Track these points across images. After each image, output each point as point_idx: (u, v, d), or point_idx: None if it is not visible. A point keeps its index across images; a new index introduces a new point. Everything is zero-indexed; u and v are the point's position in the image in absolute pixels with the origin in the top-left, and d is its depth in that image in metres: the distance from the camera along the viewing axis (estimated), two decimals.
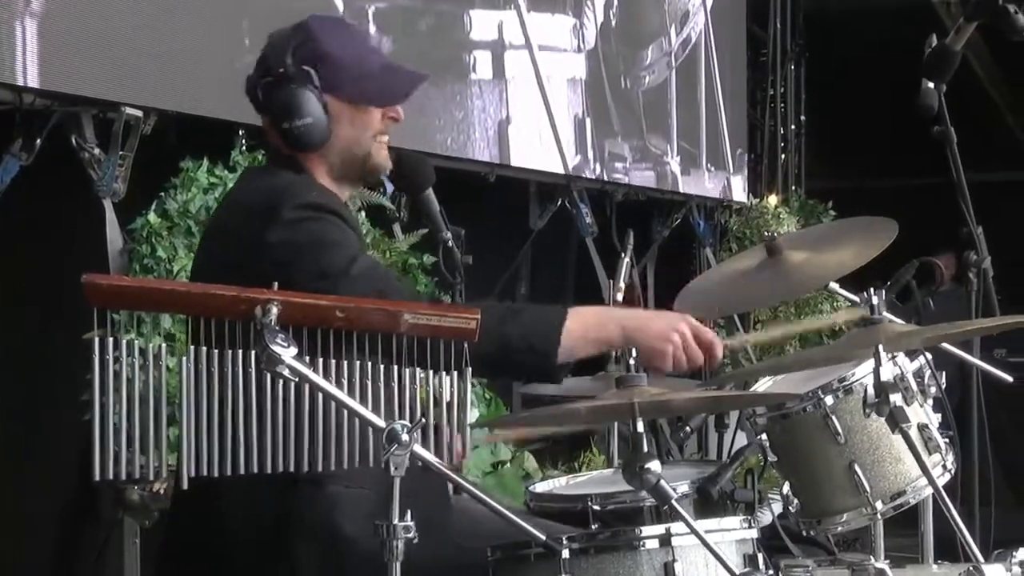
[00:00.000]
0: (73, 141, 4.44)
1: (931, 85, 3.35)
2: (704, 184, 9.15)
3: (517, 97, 6.92)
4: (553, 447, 6.62)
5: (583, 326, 2.83)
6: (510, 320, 2.73)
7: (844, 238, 3.35)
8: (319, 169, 2.96)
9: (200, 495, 2.53)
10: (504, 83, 6.84)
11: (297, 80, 2.87)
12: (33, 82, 4.23)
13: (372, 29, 5.74)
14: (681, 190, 8.78)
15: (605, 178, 7.84)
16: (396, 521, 2.39)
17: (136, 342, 2.44)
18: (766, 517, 6.20)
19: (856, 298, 3.07)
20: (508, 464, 5.83)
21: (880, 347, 2.70)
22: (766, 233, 3.39)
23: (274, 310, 2.43)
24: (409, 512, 2.40)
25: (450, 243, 3.26)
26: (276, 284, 2.49)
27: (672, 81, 8.73)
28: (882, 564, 2.88)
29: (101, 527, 4.47)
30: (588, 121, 7.60)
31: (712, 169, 9.25)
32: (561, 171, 7.35)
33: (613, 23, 7.98)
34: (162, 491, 3.46)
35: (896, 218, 3.28)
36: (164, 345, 2.46)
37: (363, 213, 5.30)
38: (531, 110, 7.05)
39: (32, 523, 4.67)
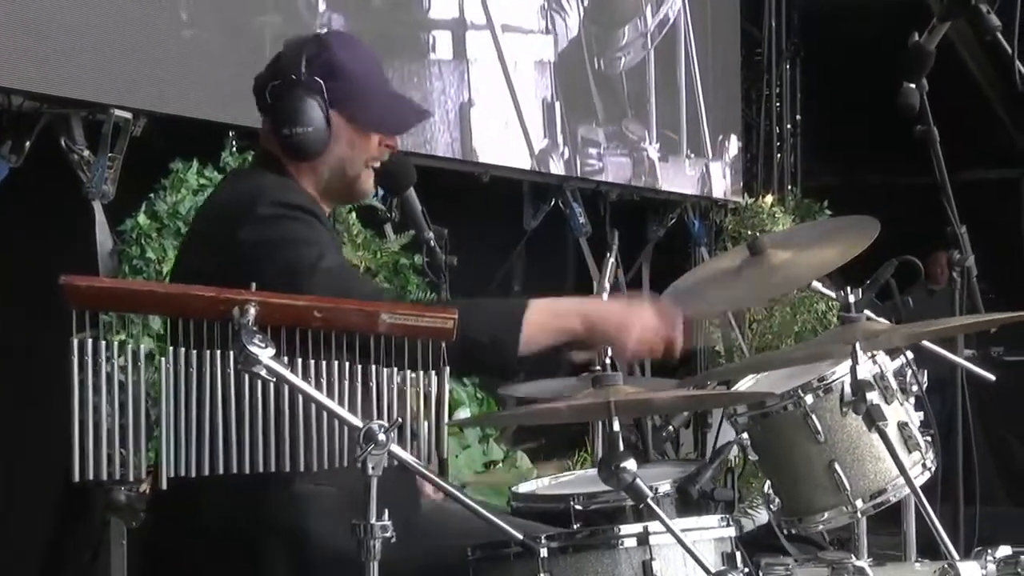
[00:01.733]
0: (62, 143, 4.44)
1: (912, 84, 3.36)
2: (684, 172, 8.98)
3: (480, 79, 6.70)
4: (548, 446, 6.64)
5: (543, 316, 2.78)
6: (472, 313, 2.68)
7: (827, 237, 3.36)
8: (306, 178, 2.97)
9: (175, 496, 2.55)
10: (466, 64, 6.62)
11: (306, 88, 2.89)
12: (22, 84, 4.24)
13: (322, 6, 5.53)
14: (659, 177, 8.60)
15: (578, 163, 7.63)
16: (373, 520, 2.41)
17: (115, 343, 2.45)
18: (762, 516, 6.22)
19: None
20: (500, 464, 5.85)
21: (857, 345, 2.71)
22: (754, 233, 3.40)
23: (252, 311, 2.44)
24: (387, 511, 2.42)
25: (432, 243, 3.28)
26: (254, 284, 2.51)
27: (649, 63, 8.52)
28: (861, 562, 2.89)
29: (94, 528, 4.48)
30: (558, 104, 7.39)
31: (692, 156, 9.11)
32: (527, 157, 7.15)
33: (586, 3, 7.77)
34: (148, 492, 3.47)
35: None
36: (143, 346, 2.48)
37: (354, 214, 5.31)
38: (495, 93, 6.83)
39: (24, 524, 4.68)
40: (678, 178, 8.92)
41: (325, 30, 2.95)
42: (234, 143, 4.86)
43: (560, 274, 8.25)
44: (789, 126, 10.96)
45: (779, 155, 10.82)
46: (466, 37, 6.61)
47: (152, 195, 4.58)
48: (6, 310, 4.45)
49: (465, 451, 5.64)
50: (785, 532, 3.21)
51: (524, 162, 7.15)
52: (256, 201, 2.78)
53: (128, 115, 4.52)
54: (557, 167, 7.42)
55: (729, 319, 8.89)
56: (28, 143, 4.32)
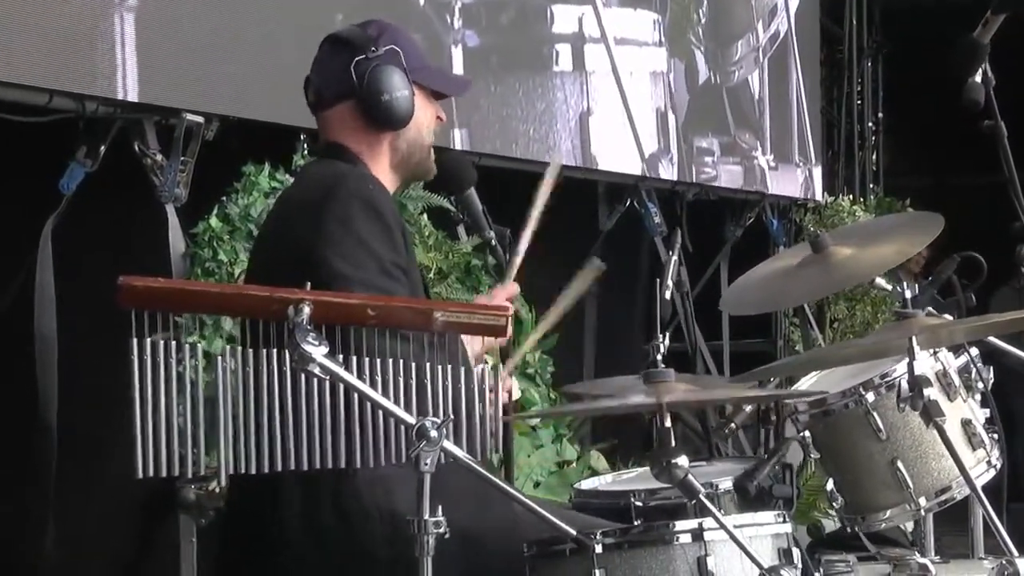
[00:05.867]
0: (136, 148, 4.51)
1: (978, 79, 3.32)
2: (794, 176, 9.26)
3: (597, 90, 7.06)
4: (622, 446, 6.63)
5: None
6: None
7: (889, 234, 3.34)
8: (380, 157, 3.07)
9: (256, 485, 2.59)
10: (584, 75, 6.98)
11: (389, 59, 3.02)
12: (97, 91, 4.32)
13: (458, 23, 5.96)
14: (769, 185, 8.88)
15: (693, 172, 7.95)
16: (426, 516, 2.43)
17: (173, 343, 2.49)
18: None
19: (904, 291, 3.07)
20: (574, 464, 5.85)
21: (913, 340, 2.69)
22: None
23: (306, 309, 2.47)
24: (440, 507, 2.44)
25: (494, 243, 3.31)
26: (309, 284, 2.54)
27: (762, 77, 8.86)
28: (924, 559, 2.87)
29: (171, 528, 4.53)
30: (671, 115, 7.71)
31: (801, 164, 9.36)
32: (638, 163, 7.39)
33: (702, 19, 8.11)
34: (217, 490, 3.52)
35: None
36: (200, 346, 2.52)
37: (425, 216, 5.34)
38: (611, 102, 7.18)
39: (102, 523, 4.76)
40: (788, 185, 9.24)
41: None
42: (305, 146, 4.91)
43: (635, 274, 8.24)
44: (871, 124, 10.86)
45: (860, 153, 10.72)
46: (584, 50, 6.98)
47: (224, 198, 4.63)
48: (82, 313, 4.53)
49: (538, 451, 5.64)
50: (849, 530, 3.18)
51: (635, 167, 7.45)
52: (336, 191, 2.88)
53: (200, 119, 4.58)
54: (668, 173, 7.72)
55: (809, 318, 8.84)
56: (103, 148, 4.40)
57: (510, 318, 2.59)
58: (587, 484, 3.45)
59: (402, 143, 3.08)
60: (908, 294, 2.73)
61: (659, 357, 2.77)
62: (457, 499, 2.48)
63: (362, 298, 2.56)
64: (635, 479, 3.50)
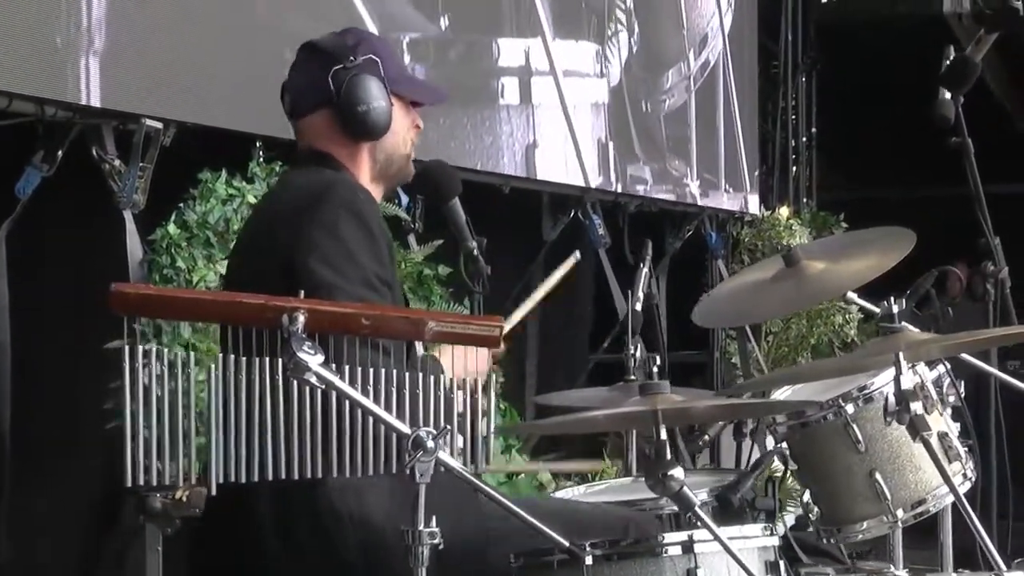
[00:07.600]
0: (94, 153, 4.46)
1: (948, 95, 3.36)
2: (723, 204, 9.33)
3: (543, 121, 7.11)
4: (568, 457, 6.65)
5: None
6: None
7: (862, 248, 3.37)
8: (362, 166, 3.07)
9: (228, 495, 2.56)
10: (531, 108, 7.03)
11: (367, 69, 3.02)
12: (55, 94, 4.26)
13: (407, 59, 5.97)
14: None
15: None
16: (421, 527, 2.42)
17: (164, 351, 2.46)
18: (779, 529, 6.21)
19: (875, 308, 3.09)
20: (522, 474, 5.85)
21: (900, 355, 2.72)
22: (778, 245, 3.41)
23: (301, 318, 2.45)
24: (435, 518, 2.43)
25: (475, 252, 3.32)
26: (302, 292, 2.52)
27: (692, 104, 8.92)
28: (902, 572, 2.90)
29: (122, 534, 4.49)
30: (611, 145, 7.79)
31: (731, 191, 9.43)
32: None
33: (634, 49, 8.20)
34: (184, 498, 3.48)
35: (911, 228, 3.30)
36: (192, 354, 2.49)
37: None
38: (556, 134, 7.24)
39: (55, 528, 4.71)
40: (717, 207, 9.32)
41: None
42: (261, 153, 4.88)
43: (579, 285, 8.25)
44: (804, 139, 10.97)
45: (795, 168, 10.83)
46: (531, 83, 7.04)
47: (182, 205, 4.59)
48: (38, 318, 4.48)
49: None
50: (825, 541, 3.21)
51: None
52: (324, 198, 2.86)
53: (159, 125, 4.53)
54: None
55: (746, 331, 8.90)
56: (60, 152, 4.34)
57: (503, 328, 2.58)
58: (561, 496, 3.45)
59: (380, 153, 3.08)
60: (895, 309, 2.75)
61: (655, 370, 2.78)
62: (431, 510, 2.47)
63: (356, 307, 2.54)
64: (607, 491, 3.51)
